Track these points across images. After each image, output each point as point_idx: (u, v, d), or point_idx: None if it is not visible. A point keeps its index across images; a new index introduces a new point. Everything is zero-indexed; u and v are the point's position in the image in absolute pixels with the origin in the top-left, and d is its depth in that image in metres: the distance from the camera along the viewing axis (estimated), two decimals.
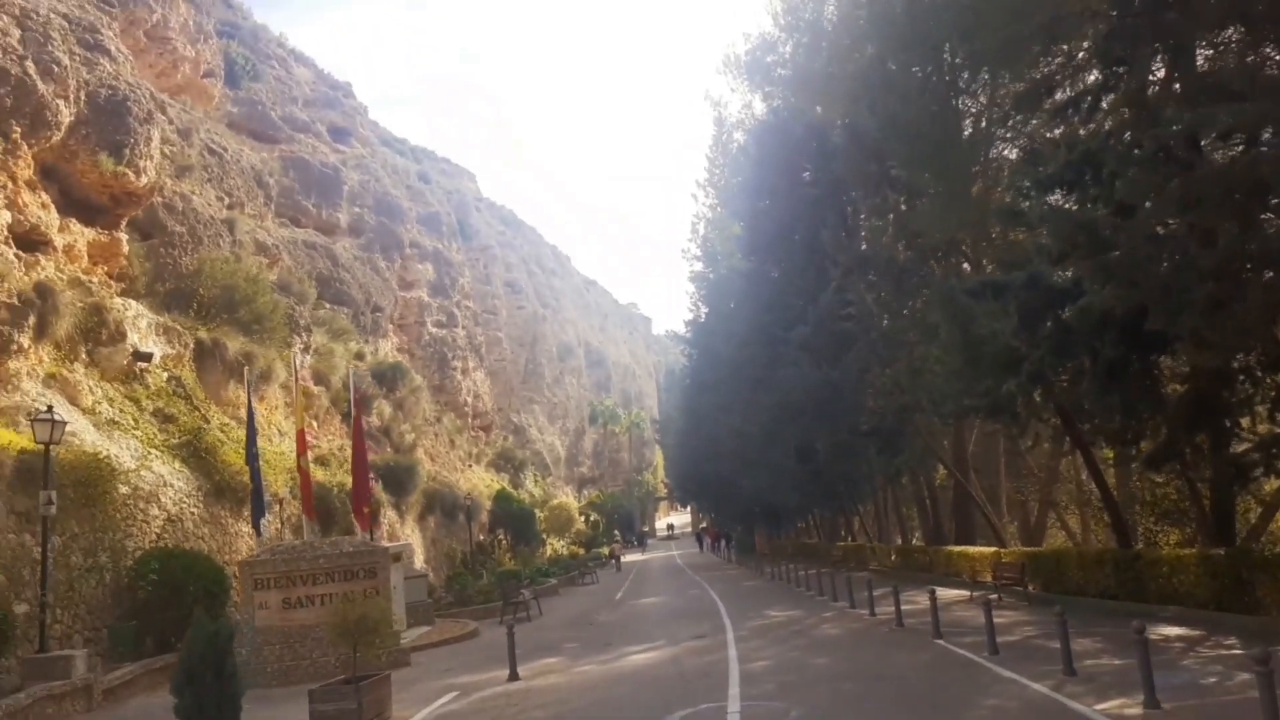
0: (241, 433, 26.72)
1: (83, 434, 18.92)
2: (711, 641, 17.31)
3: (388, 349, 56.38)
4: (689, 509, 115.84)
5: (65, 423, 14.85)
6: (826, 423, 28.89)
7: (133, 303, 24.82)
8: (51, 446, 16.18)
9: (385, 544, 24.79)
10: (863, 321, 28.71)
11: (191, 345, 26.70)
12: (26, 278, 20.17)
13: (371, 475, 31.10)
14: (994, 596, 18.67)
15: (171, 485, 20.54)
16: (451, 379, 65.43)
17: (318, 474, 29.33)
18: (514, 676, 14.29)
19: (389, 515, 34.00)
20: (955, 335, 16.92)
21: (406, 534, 35.69)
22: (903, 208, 25.71)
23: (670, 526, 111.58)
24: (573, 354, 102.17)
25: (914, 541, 37.87)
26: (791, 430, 30.63)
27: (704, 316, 52.46)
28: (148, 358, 23.24)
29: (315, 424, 34.89)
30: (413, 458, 40.14)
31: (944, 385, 19.40)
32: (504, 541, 47.78)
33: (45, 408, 14.57)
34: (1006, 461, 35.00)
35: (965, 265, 23.73)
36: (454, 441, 57.62)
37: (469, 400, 68.25)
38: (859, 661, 13.90)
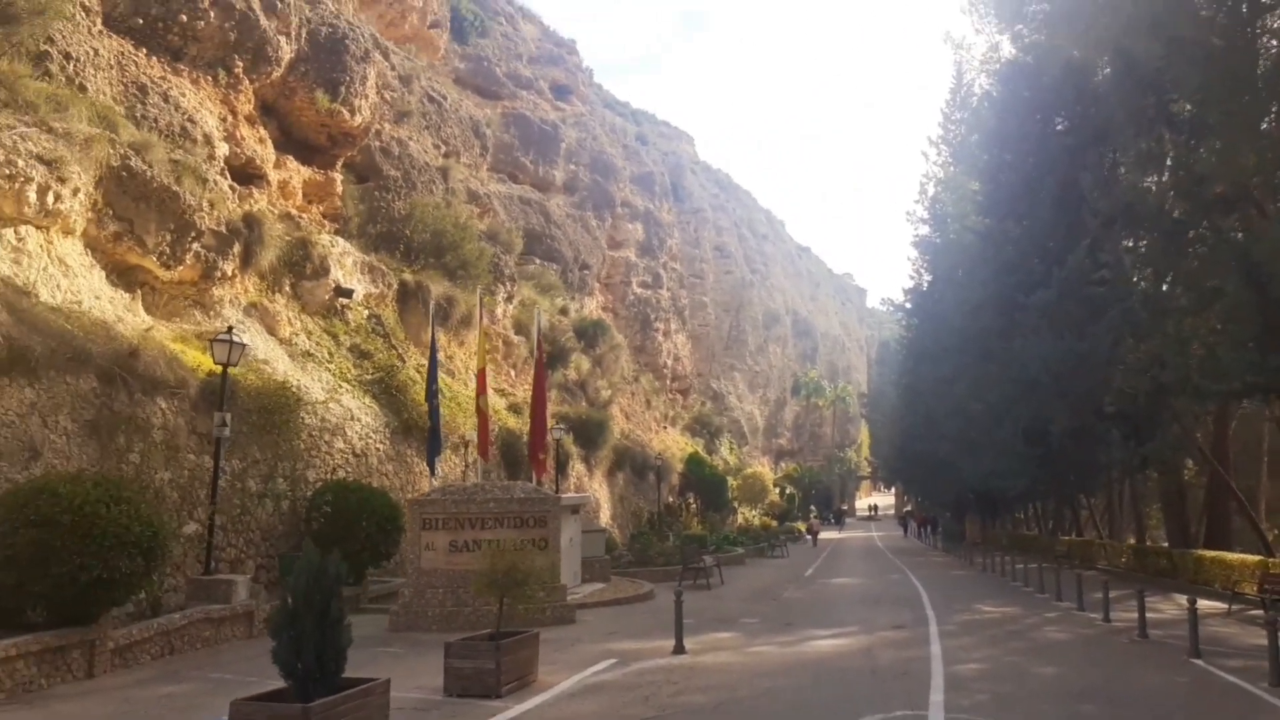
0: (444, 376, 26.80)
1: (276, 363, 19.12)
2: (911, 634, 15.04)
3: (592, 306, 56.44)
4: (893, 491, 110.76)
5: (244, 345, 14.69)
6: (1065, 401, 25.39)
7: (340, 240, 25.24)
8: (241, 371, 16.25)
9: (565, 494, 24.02)
10: (1117, 287, 24.85)
11: (395, 286, 26.97)
12: (238, 208, 20.60)
13: (560, 426, 30.58)
14: (1260, 613, 15.35)
15: (359, 420, 20.52)
16: (652, 340, 64.90)
17: (509, 421, 29.14)
18: (679, 649, 12.74)
19: (577, 468, 33.53)
20: (1249, 296, 13.55)
21: (594, 488, 35.17)
22: (1173, 152, 21.72)
23: (874, 508, 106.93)
24: (779, 322, 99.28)
25: (1149, 543, 33.44)
26: (1023, 408, 27.24)
27: (927, 285, 48.74)
28: (349, 294, 23.48)
29: (513, 373, 34.93)
30: (606, 413, 39.60)
31: (1225, 357, 15.87)
32: (693, 505, 46.65)
33: (226, 329, 14.40)
34: (1270, 460, 30.02)
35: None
36: (650, 402, 57.08)
37: (668, 362, 67.57)
38: (1094, 677, 11.30)
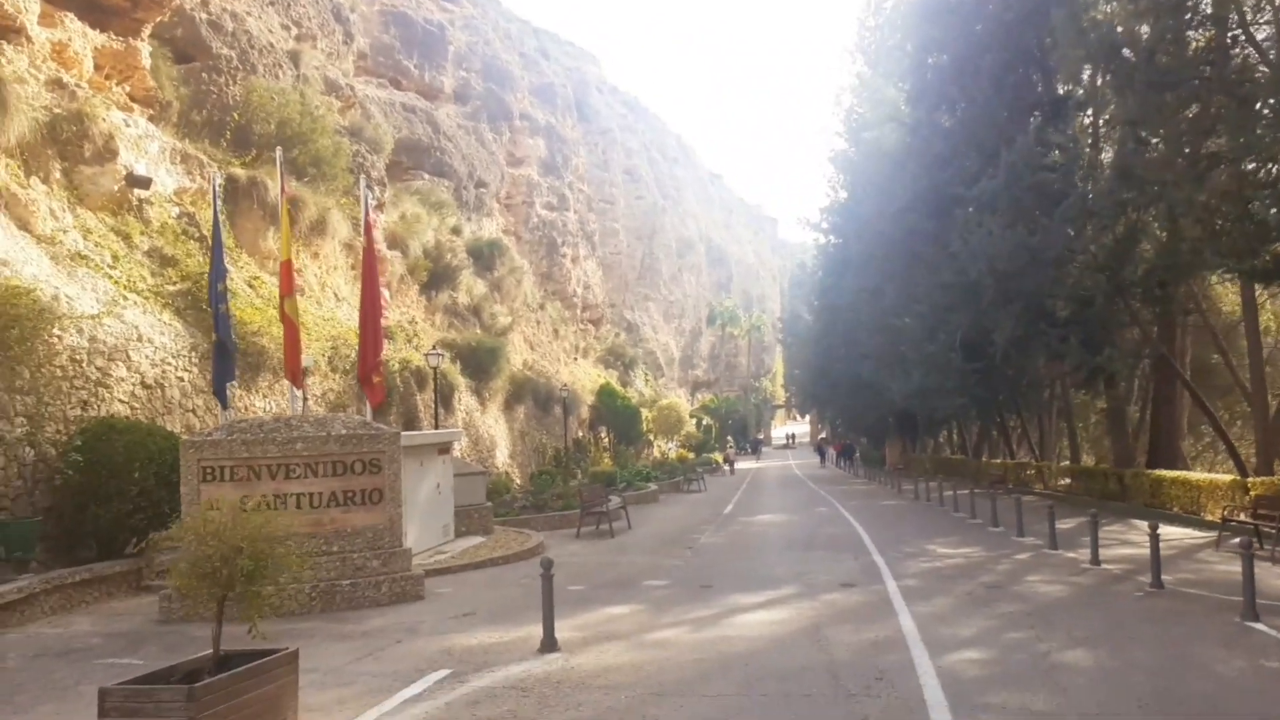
0: (276, 288, 22.06)
1: (23, 265, 14.22)
2: (865, 596, 11.46)
3: (492, 229, 51.48)
4: (808, 419, 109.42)
5: None
6: (1011, 307, 22.16)
7: (140, 120, 20.06)
8: None
9: (421, 431, 19.85)
10: (1068, 170, 21.53)
11: (221, 181, 21.86)
12: None
13: (438, 351, 26.18)
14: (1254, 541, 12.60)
15: (150, 341, 15.79)
16: (560, 266, 60.35)
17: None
18: (549, 645, 8.81)
19: (465, 400, 29.23)
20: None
21: (488, 424, 30.98)
22: None
23: (791, 436, 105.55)
24: (693, 250, 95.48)
25: (1089, 464, 31.31)
26: (961, 317, 23.97)
27: (845, 200, 45.41)
28: (145, 183, 18.45)
29: (386, 294, 30.22)
30: (501, 341, 35.23)
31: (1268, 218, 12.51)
32: (605, 440, 42.92)
33: None
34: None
35: (1262, 69, 16.09)
36: (558, 331, 52.83)
37: (578, 290, 63.19)
38: (1148, 664, 7.84)
